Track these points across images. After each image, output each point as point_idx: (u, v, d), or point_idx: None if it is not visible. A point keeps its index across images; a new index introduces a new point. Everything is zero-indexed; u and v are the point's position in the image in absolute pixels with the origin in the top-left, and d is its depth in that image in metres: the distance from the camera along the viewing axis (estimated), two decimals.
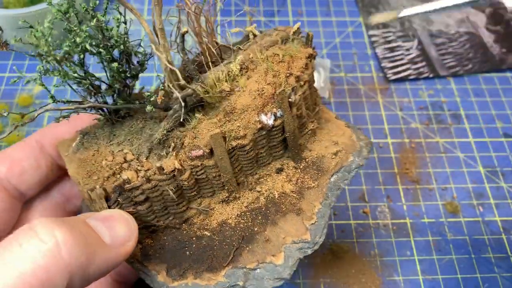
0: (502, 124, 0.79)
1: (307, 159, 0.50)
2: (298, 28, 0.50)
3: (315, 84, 0.84)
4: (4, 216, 0.47)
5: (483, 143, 0.77)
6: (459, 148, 0.76)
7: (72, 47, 0.40)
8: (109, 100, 0.46)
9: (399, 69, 0.85)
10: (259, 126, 0.45)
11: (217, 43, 0.49)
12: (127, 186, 0.42)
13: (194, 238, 0.46)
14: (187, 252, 0.45)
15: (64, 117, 0.45)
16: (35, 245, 0.33)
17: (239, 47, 0.50)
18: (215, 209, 0.47)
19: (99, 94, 0.45)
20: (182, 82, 0.42)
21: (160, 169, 0.42)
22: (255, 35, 0.51)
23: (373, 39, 0.90)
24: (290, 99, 0.45)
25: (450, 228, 0.67)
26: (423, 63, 0.86)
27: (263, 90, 0.45)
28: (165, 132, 0.44)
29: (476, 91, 0.84)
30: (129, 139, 0.45)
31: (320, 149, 0.50)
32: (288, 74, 0.46)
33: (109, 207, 0.42)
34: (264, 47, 0.48)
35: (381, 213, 0.68)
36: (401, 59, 0.87)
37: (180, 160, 0.43)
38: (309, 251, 0.45)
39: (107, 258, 0.37)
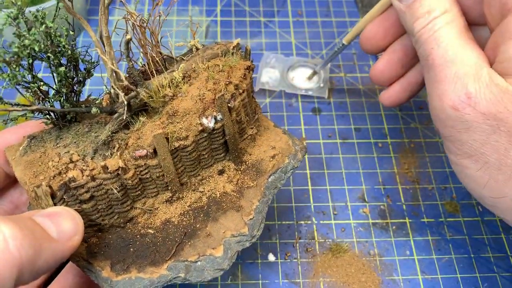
0: None
1: (247, 162, 0.53)
2: (237, 44, 0.53)
3: (314, 85, 0.85)
4: None
5: None
6: None
7: (20, 49, 0.42)
8: (57, 105, 0.48)
9: None
10: (200, 128, 0.47)
11: (161, 53, 0.52)
12: (72, 184, 0.44)
13: (138, 236, 0.49)
14: (131, 249, 0.48)
15: (12, 119, 0.47)
16: None
17: (182, 58, 0.53)
18: (159, 208, 0.50)
19: (47, 99, 0.48)
20: (126, 83, 0.44)
21: (105, 168, 0.44)
22: (197, 48, 0.54)
23: None
24: (229, 105, 0.48)
25: (450, 227, 0.68)
26: None
27: (204, 96, 0.48)
28: (109, 133, 0.46)
29: None
30: (75, 142, 0.48)
31: (259, 153, 0.54)
32: (227, 82, 0.49)
33: (55, 205, 0.44)
34: (205, 59, 0.52)
35: (381, 213, 0.69)
36: None
37: (124, 160, 0.46)
38: (247, 244, 0.48)
39: (55, 252, 0.39)
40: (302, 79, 0.83)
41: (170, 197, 0.50)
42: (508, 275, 0.64)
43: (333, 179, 0.72)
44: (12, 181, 0.53)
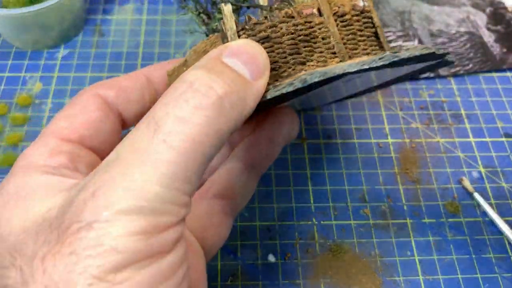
0: (503, 124, 0.79)
1: None
2: None
3: None
4: (114, 140, 0.46)
5: (483, 143, 0.77)
6: (460, 148, 0.76)
7: None
8: None
9: None
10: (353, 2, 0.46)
11: None
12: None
13: None
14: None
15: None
16: (201, 100, 0.32)
17: None
18: None
19: None
20: None
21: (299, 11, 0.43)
22: None
23: None
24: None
25: (451, 228, 0.67)
26: None
27: None
28: None
29: (477, 91, 0.84)
30: None
31: None
32: None
33: (238, 33, 0.41)
34: None
35: (381, 213, 0.68)
36: None
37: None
38: None
39: (254, 95, 0.37)
40: None
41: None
42: (509, 276, 0.63)
43: (333, 179, 0.72)
44: None
